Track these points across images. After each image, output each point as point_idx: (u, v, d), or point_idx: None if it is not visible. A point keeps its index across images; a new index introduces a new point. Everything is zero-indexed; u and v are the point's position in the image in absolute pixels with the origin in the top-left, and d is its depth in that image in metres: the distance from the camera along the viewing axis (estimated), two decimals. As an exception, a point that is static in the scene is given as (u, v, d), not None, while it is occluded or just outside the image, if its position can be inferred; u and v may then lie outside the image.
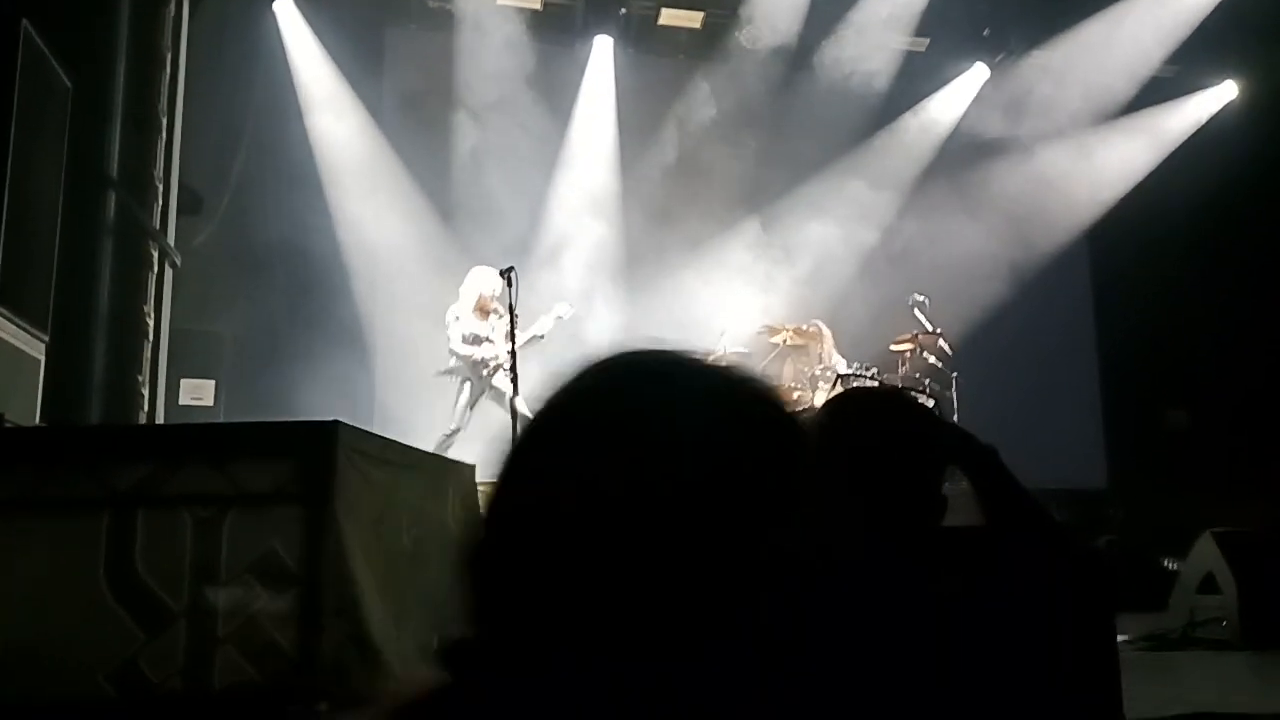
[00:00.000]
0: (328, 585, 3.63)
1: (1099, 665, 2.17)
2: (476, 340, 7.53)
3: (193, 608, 3.52)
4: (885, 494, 1.37)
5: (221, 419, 8.13)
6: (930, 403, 7.90)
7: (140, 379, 5.41)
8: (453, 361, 7.55)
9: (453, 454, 6.81)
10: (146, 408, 5.42)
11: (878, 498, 1.36)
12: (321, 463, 3.74)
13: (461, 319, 7.52)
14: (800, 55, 10.05)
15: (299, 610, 3.58)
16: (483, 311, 7.56)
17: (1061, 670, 1.41)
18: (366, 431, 4.38)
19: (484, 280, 7.50)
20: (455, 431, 7.45)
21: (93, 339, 5.14)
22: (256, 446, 3.79)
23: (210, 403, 8.19)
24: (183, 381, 7.76)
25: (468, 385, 7.55)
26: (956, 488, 1.62)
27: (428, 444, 4.87)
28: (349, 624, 3.65)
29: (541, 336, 7.57)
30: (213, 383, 8.13)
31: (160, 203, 5.99)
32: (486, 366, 7.53)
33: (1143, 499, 8.18)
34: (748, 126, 9.84)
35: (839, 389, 7.91)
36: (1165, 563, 6.74)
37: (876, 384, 8.15)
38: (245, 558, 3.62)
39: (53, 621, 3.41)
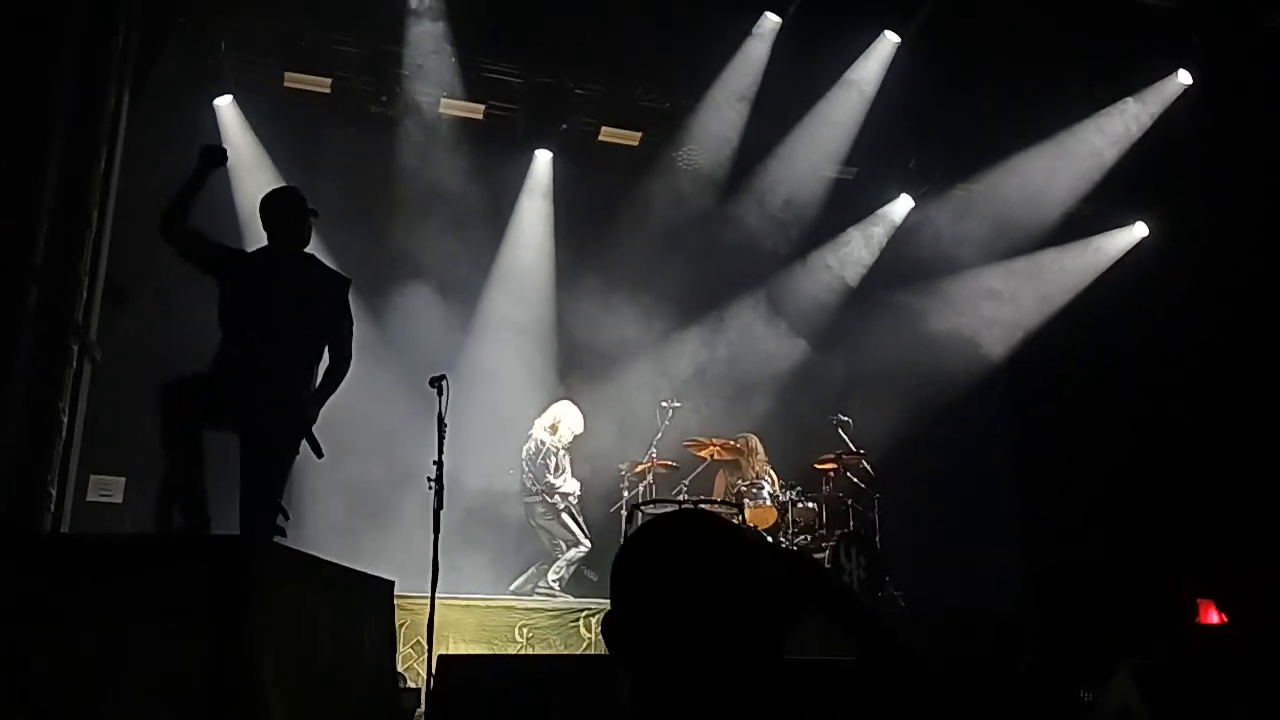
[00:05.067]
0: (237, 708, 3.48)
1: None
2: (565, 475, 8.50)
3: (89, 730, 3.34)
4: (710, 635, 1.26)
5: (130, 517, 7.86)
6: (739, 519, 8.04)
7: (50, 478, 5.20)
8: (550, 495, 8.35)
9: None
10: (54, 508, 5.20)
11: (702, 639, 1.26)
12: (234, 579, 3.62)
13: (561, 454, 8.46)
14: (735, 178, 10.37)
15: (203, 734, 3.42)
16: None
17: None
18: (283, 545, 4.27)
19: (579, 420, 8.55)
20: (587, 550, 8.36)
21: (4, 436, 4.95)
22: (166, 560, 3.65)
23: (119, 499, 7.90)
24: (92, 478, 7.50)
25: (567, 513, 8.41)
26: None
27: (340, 557, 4.80)
28: (255, 750, 3.49)
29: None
30: (123, 480, 7.87)
31: (85, 296, 5.84)
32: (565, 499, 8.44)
33: (1057, 624, 8.26)
34: (682, 244, 10.04)
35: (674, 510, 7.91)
36: (1081, 694, 6.78)
37: (676, 506, 8.14)
38: (150, 677, 3.46)
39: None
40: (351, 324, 5.12)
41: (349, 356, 5.07)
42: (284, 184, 5.29)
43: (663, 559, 1.33)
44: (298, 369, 4.88)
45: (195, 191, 4.89)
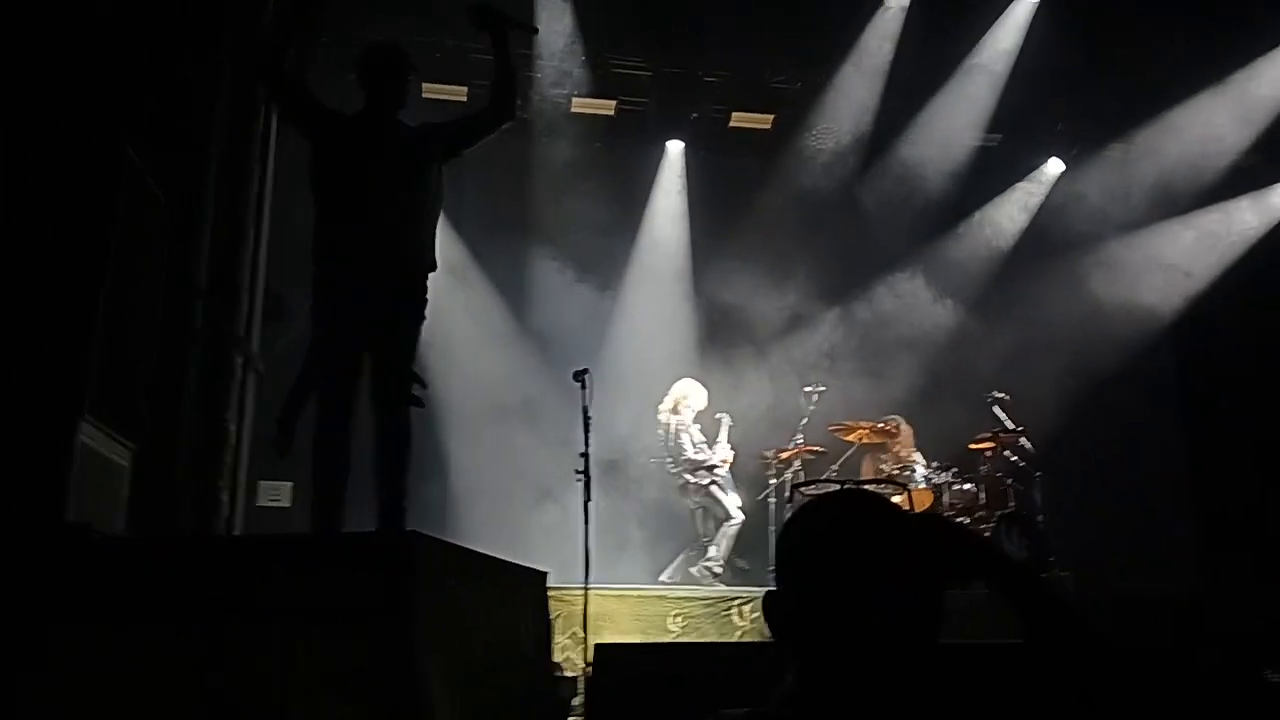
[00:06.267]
0: (403, 701, 3.59)
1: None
2: (703, 446, 8.47)
3: (271, 724, 3.50)
4: (875, 614, 1.25)
5: (296, 520, 8.24)
6: (900, 499, 7.70)
7: (221, 485, 5.50)
8: (694, 473, 8.34)
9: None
10: (227, 514, 5.50)
11: (866, 619, 1.25)
12: (399, 574, 3.73)
13: (691, 429, 8.46)
14: (872, 152, 10.14)
15: (373, 726, 3.54)
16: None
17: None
18: (443, 541, 4.37)
19: (701, 394, 8.55)
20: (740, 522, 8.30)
21: (177, 447, 5.25)
22: (337, 558, 3.79)
23: (288, 503, 8.29)
24: (260, 483, 7.88)
25: (714, 486, 8.36)
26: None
27: (497, 550, 4.88)
28: (422, 740, 3.60)
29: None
30: (290, 484, 8.24)
31: (246, 309, 6.15)
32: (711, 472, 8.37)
33: (1239, 605, 7.78)
34: (820, 223, 9.90)
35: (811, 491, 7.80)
36: (1269, 674, 6.38)
37: (837, 486, 7.91)
38: (325, 672, 3.60)
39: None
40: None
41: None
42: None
43: (824, 539, 1.33)
44: (411, 239, 4.52)
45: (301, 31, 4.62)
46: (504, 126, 5.02)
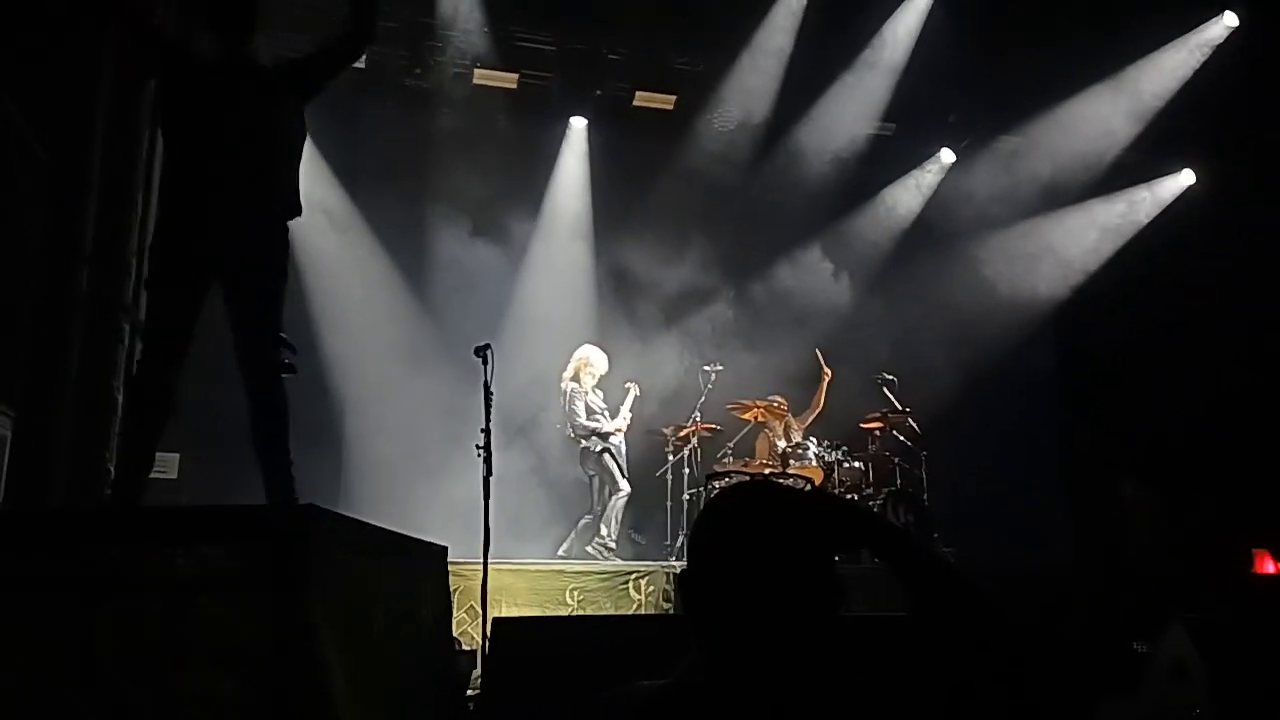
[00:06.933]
0: (297, 673, 3.55)
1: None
2: (601, 414, 8.55)
3: (158, 697, 3.43)
4: (775, 591, 1.33)
5: (184, 492, 8.03)
6: (805, 485, 7.95)
7: (107, 455, 5.32)
8: (587, 439, 8.43)
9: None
10: (111, 485, 5.32)
11: (767, 596, 1.33)
12: (294, 548, 3.68)
13: (588, 395, 8.52)
14: (771, 138, 10.27)
15: (267, 699, 3.50)
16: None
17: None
18: (340, 515, 4.31)
19: (601, 360, 8.63)
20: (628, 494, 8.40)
21: (60, 416, 5.06)
22: (229, 530, 3.72)
23: (174, 475, 8.06)
24: (147, 455, 7.63)
25: (607, 454, 8.41)
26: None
27: (393, 523, 4.80)
28: (317, 714, 3.57)
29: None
30: (176, 456, 8.02)
31: (134, 276, 5.94)
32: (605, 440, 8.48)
33: (1110, 579, 8.19)
34: (718, 206, 10.02)
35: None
36: (1135, 645, 6.73)
37: (747, 477, 8.15)
38: (213, 645, 3.54)
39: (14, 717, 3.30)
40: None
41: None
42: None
43: (728, 523, 1.41)
44: (270, 181, 4.09)
45: None
46: (364, 50, 4.45)
